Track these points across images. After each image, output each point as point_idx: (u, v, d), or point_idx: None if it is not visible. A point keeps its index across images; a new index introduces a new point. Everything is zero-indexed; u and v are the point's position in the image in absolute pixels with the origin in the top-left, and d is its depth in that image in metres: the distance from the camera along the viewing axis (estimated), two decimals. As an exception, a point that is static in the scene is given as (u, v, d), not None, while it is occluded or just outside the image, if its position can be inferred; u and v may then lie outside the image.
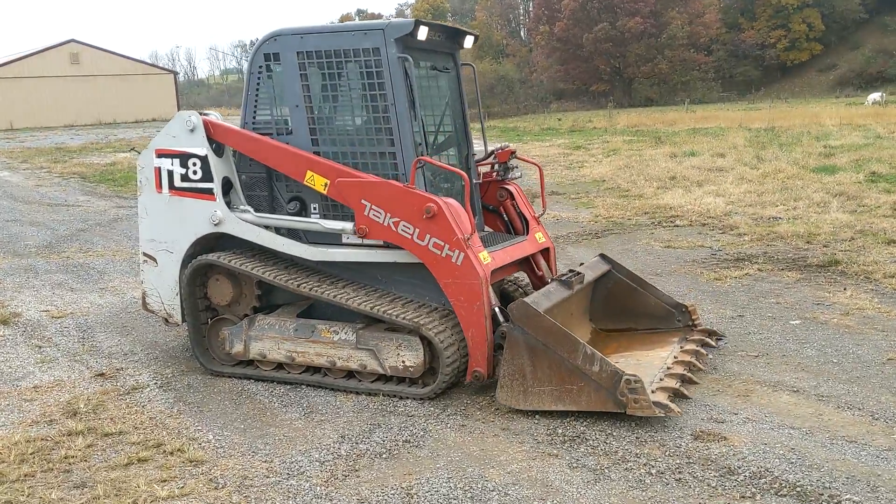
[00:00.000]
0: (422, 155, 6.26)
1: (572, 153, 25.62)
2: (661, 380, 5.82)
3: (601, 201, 16.03)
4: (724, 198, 15.31)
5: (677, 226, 13.22)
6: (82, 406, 6.15)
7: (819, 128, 27.77)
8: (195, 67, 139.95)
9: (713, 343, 6.72)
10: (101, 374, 6.92)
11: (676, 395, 5.63)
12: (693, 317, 6.94)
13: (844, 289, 8.81)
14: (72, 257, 12.11)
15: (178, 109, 62.46)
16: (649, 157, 22.56)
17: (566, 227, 13.53)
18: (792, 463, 4.82)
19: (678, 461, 4.91)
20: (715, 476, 4.71)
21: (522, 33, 76.95)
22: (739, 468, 4.78)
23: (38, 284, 10.40)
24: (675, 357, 6.32)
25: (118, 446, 5.44)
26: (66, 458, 5.26)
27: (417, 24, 6.11)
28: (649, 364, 6.15)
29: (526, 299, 5.74)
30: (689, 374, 5.96)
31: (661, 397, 5.48)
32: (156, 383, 6.69)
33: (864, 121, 29.56)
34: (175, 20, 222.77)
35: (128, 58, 63.93)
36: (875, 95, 42.79)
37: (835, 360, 6.65)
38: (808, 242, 11.25)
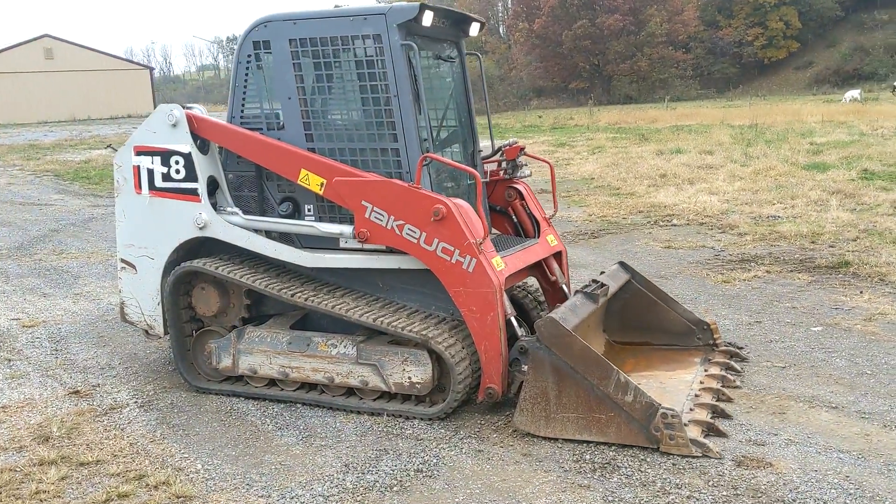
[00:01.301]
0: (427, 151, 5.72)
1: (557, 150, 25.16)
2: (691, 409, 5.30)
3: (593, 199, 15.60)
4: (718, 196, 14.94)
5: (675, 225, 12.80)
6: (55, 430, 5.56)
7: (801, 125, 27.58)
8: (171, 63, 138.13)
9: (738, 368, 6.20)
10: (76, 392, 6.32)
11: (710, 430, 5.11)
12: (715, 335, 6.44)
13: (861, 292, 8.41)
14: (44, 260, 11.47)
15: (155, 105, 61.84)
16: (636, 154, 22.18)
17: (560, 227, 13.04)
18: (851, 495, 4.35)
19: (725, 493, 4.42)
20: (768, 510, 4.22)
21: (501, 30, 76.43)
22: (794, 501, 4.30)
23: (8, 290, 9.75)
24: (700, 382, 5.80)
25: (95, 478, 4.86)
26: (37, 493, 4.67)
27: (423, 8, 5.56)
28: (674, 389, 5.63)
29: (554, 315, 5.21)
30: (720, 406, 5.43)
31: (696, 432, 4.98)
32: (136, 402, 6.10)
33: (844, 118, 29.42)
34: (151, 16, 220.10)
35: (103, 53, 62.88)
36: (853, 93, 42.77)
37: (868, 372, 6.22)
38: (812, 242, 10.87)
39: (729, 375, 5.98)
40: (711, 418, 5.22)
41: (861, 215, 12.32)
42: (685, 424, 4.91)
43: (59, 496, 4.66)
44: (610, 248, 11.39)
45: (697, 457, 4.79)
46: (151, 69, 69.04)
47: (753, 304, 8.20)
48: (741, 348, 6.69)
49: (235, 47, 6.25)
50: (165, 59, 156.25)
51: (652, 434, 4.83)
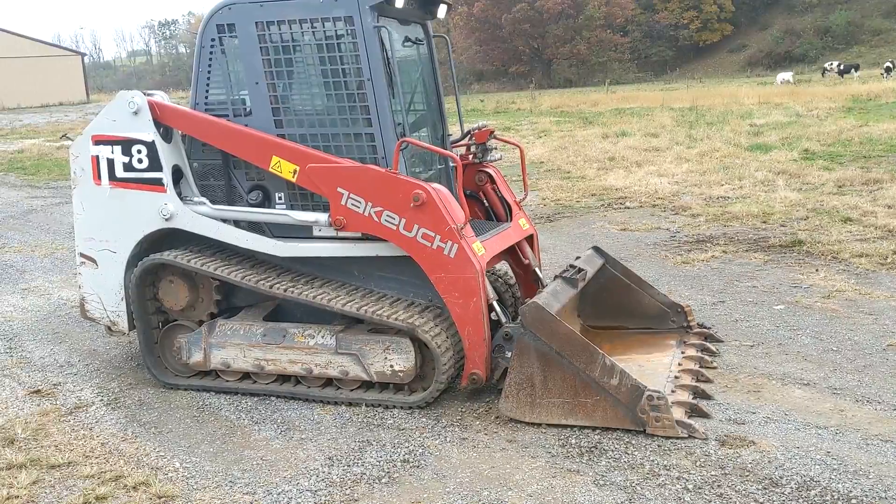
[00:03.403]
0: (403, 136, 5.62)
1: (502, 135, 25.17)
2: (672, 391, 5.32)
3: (545, 183, 15.62)
4: (667, 178, 15.13)
5: (628, 207, 12.92)
6: (20, 431, 5.32)
7: (739, 107, 28.11)
8: (101, 49, 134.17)
9: (714, 349, 6.26)
10: (37, 392, 6.07)
11: (693, 411, 5.14)
12: (689, 318, 6.49)
13: (816, 270, 8.60)
14: (-16, 255, 11.00)
15: (87, 93, 59.91)
16: (582, 138, 22.32)
17: (516, 211, 13.06)
18: (835, 470, 4.42)
19: (713, 473, 4.45)
20: (758, 489, 4.26)
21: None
22: (782, 479, 4.35)
23: (-52, 287, 9.32)
24: (679, 364, 5.83)
25: (69, 481, 4.66)
26: (8, 499, 4.45)
27: (395, -12, 5.45)
28: (654, 372, 5.65)
29: (538, 301, 5.17)
30: (700, 387, 5.47)
31: (680, 414, 5.00)
32: (102, 400, 5.88)
33: (780, 99, 30.09)
34: (78, 1, 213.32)
35: (30, 39, 60.63)
36: (785, 75, 43.88)
37: (834, 349, 6.35)
38: (764, 222, 11.09)
39: (706, 357, 6.04)
40: (693, 399, 5.26)
41: (808, 195, 12.60)
42: (670, 405, 4.93)
43: (33, 501, 4.46)
44: (567, 231, 11.44)
45: (683, 438, 4.81)
46: (83, 55, 66.90)
47: (714, 284, 8.31)
48: (709, 328, 6.76)
49: (197, 31, 6.04)
50: (95, 44, 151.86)
51: (638, 417, 4.85)
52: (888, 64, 42.81)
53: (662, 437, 4.83)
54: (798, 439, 4.81)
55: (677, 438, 4.81)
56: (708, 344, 6.32)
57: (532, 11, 60.78)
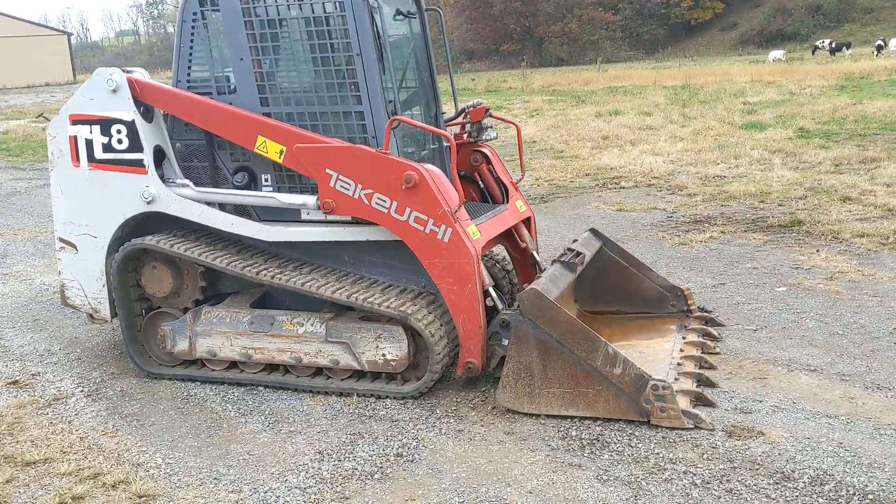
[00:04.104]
0: (394, 114, 5.37)
1: (494, 114, 24.91)
2: (676, 379, 5.11)
3: (538, 163, 15.38)
4: (662, 157, 14.93)
5: (623, 187, 12.70)
6: (-5, 426, 5.09)
7: (732, 85, 27.90)
8: (88, 29, 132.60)
9: (716, 334, 6.06)
10: (15, 382, 5.82)
11: (699, 400, 4.94)
12: (689, 301, 6.27)
13: (817, 250, 8.42)
14: (-35, 239, 10.71)
15: (74, 73, 59.28)
16: (575, 116, 22.09)
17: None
18: (849, 462, 4.23)
19: (721, 467, 4.26)
20: (770, 484, 4.07)
21: (429, -8, 75.70)
22: (794, 472, 4.16)
23: (-74, 272, 9.05)
24: (680, 350, 5.62)
25: (45, 479, 4.43)
26: (-21, 499, 4.24)
27: (387, -40, 5.18)
28: (655, 359, 5.44)
29: (536, 286, 4.94)
30: (704, 375, 5.26)
31: (685, 403, 4.79)
32: (82, 391, 5.64)
33: (772, 77, 29.89)
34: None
35: (15, 18, 59.82)
36: (777, 53, 43.59)
37: (840, 333, 6.17)
38: (761, 202, 10.90)
39: (708, 342, 5.84)
40: (697, 387, 5.06)
41: (805, 173, 12.42)
42: (675, 394, 4.73)
43: (6, 501, 4.23)
44: (562, 212, 11.23)
45: (689, 429, 4.62)
46: (69, 35, 66.07)
47: (714, 266, 8.12)
48: (710, 312, 6.57)
49: (179, 5, 5.75)
50: (82, 24, 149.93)
51: (642, 407, 4.65)
52: (879, 42, 42.61)
53: (667, 428, 4.64)
54: (808, 429, 4.62)
55: (683, 430, 4.61)
56: (710, 329, 6.12)
57: (523, -11, 60.22)
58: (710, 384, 5.19)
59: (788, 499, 3.94)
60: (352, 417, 5.09)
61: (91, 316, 6.03)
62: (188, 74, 5.70)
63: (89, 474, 4.45)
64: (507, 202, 6.26)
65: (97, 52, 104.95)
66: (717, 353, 5.76)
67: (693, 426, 4.62)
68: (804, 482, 4.07)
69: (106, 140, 5.61)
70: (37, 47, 58.05)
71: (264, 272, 5.39)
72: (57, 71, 57.96)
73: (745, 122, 18.30)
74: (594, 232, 6.47)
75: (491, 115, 6.45)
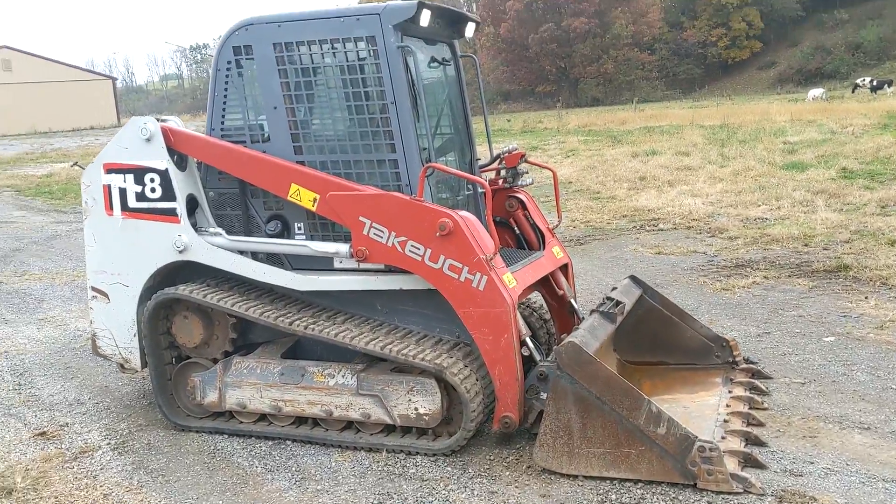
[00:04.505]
0: (428, 161, 5.27)
1: (530, 154, 24.83)
2: (722, 438, 4.88)
3: (574, 204, 15.25)
4: (701, 198, 14.70)
5: (661, 229, 12.48)
6: (19, 480, 4.99)
7: (771, 124, 27.57)
8: (133, 74, 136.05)
9: (764, 388, 5.81)
10: (42, 434, 5.76)
11: (747, 461, 4.69)
12: (734, 353, 6.04)
13: (866, 297, 8.12)
14: (6, 282, 10.82)
15: (118, 117, 60.85)
16: (611, 157, 21.94)
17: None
18: (911, 532, 3.97)
19: (773, 535, 4.02)
20: (826, 555, 3.83)
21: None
22: (852, 543, 3.91)
23: (-35, 317, 9.11)
24: (727, 405, 5.38)
25: (68, 538, 4.34)
26: (0, 559, 4.14)
27: (420, 6, 5.11)
28: (700, 415, 5.21)
29: (574, 339, 4.76)
30: (753, 433, 5.02)
31: (733, 465, 4.54)
32: (109, 444, 5.55)
33: (812, 116, 29.52)
34: (112, 26, 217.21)
35: (63, 64, 61.66)
36: (816, 91, 43.18)
37: (893, 387, 5.88)
38: (805, 245, 10.60)
39: (755, 397, 5.59)
40: (745, 447, 4.82)
41: (850, 215, 12.10)
42: (723, 457, 4.49)
43: (28, 561, 4.13)
44: (598, 254, 11.04)
45: (737, 493, 4.38)
46: (114, 79, 67.87)
47: (758, 314, 7.86)
48: (756, 363, 6.32)
49: (213, 54, 5.75)
50: (128, 69, 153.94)
51: (688, 469, 4.41)
52: (923, 79, 42.00)
53: (714, 492, 4.40)
54: (864, 496, 4.36)
55: (731, 494, 4.37)
56: (757, 382, 5.87)
57: (559, 31, 60.57)
58: (759, 443, 4.95)
59: (847, 573, 3.69)
60: (380, 475, 4.92)
61: (121, 366, 5.96)
62: (222, 122, 5.68)
63: (113, 533, 4.33)
64: (544, 248, 6.12)
65: (142, 95, 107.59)
66: (766, 409, 5.51)
67: (742, 490, 4.38)
68: (863, 555, 3.81)
69: (139, 189, 5.59)
70: (83, 92, 59.62)
71: (297, 322, 5.29)
72: (102, 114, 59.41)
73: (786, 163, 17.99)
74: (634, 279, 6.28)
75: (527, 161, 6.33)
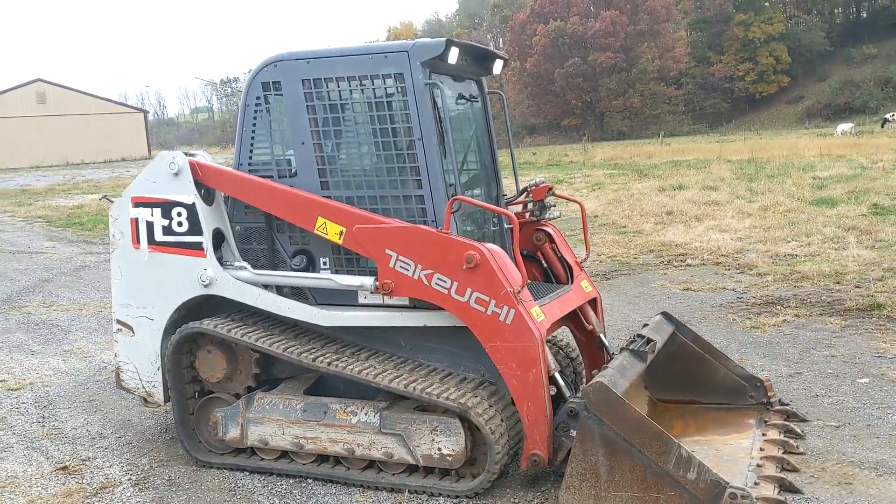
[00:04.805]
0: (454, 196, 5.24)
1: (555, 188, 24.82)
2: (755, 483, 4.73)
3: (599, 238, 15.15)
4: (729, 233, 14.55)
5: (689, 265, 12.35)
6: (41, 515, 4.98)
7: (800, 159, 27.37)
8: (164, 106, 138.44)
9: (799, 431, 5.67)
10: (64, 468, 5.73)
11: None
12: (769, 393, 5.90)
13: (901, 338, 7.93)
14: (33, 312, 10.90)
15: (149, 149, 61.88)
16: (637, 191, 21.84)
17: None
18: (953, 587, 3.81)
19: (808, 587, 3.88)
20: None
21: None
22: None
23: (-8, 347, 9.18)
24: (760, 449, 5.23)
25: (86, 577, 4.28)
26: None
27: (448, 43, 5.12)
28: (732, 458, 5.08)
29: (603, 379, 4.67)
30: (787, 480, 4.88)
31: None
32: (130, 479, 5.51)
33: (842, 151, 29.29)
34: (145, 59, 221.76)
35: (96, 97, 62.90)
36: (845, 126, 42.91)
37: (931, 431, 5.71)
38: (837, 283, 10.42)
39: (790, 440, 5.45)
40: (779, 494, 4.68)
41: (882, 253, 11.90)
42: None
43: None
44: (625, 290, 10.92)
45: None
46: (145, 112, 69.06)
47: (789, 353, 7.71)
48: (789, 404, 6.17)
49: (242, 89, 5.79)
50: (159, 101, 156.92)
51: None
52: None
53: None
54: (903, 546, 4.21)
55: (763, 542, 4.24)
56: (791, 424, 5.72)
57: (585, 66, 60.88)
58: (793, 490, 4.80)
59: None
60: (402, 516, 4.84)
61: (145, 399, 5.95)
62: (250, 157, 5.70)
63: (131, 573, 4.27)
64: (572, 282, 6.05)
65: (172, 128, 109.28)
66: (801, 454, 5.36)
67: None
68: None
69: (166, 223, 5.61)
70: (115, 124, 60.67)
71: (321, 359, 5.25)
72: (133, 146, 60.38)
73: (816, 198, 17.80)
74: (666, 315, 6.17)
75: (554, 194, 6.29)
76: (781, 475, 4.89)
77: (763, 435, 5.47)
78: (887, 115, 45.89)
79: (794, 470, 5.08)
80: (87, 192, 29.38)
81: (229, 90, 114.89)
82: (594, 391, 4.58)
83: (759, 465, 4.99)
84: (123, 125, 61.48)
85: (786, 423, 5.70)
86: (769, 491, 4.67)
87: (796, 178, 21.46)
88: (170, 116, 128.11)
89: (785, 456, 5.17)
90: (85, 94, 61.92)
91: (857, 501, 4.73)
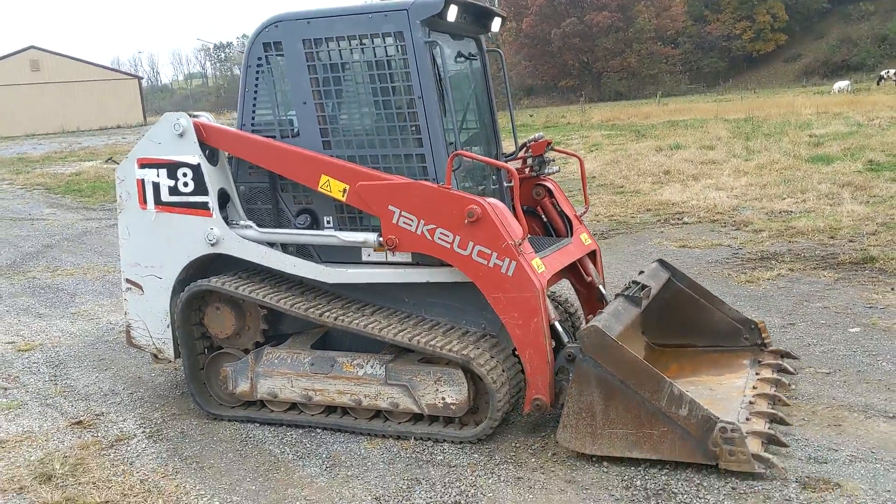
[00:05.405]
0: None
1: (556, 147, 24.83)
2: (747, 419, 4.92)
3: (597, 199, 15.25)
4: (725, 192, 14.67)
5: (686, 223, 12.48)
6: (58, 466, 5.14)
7: (797, 117, 27.35)
8: (158, 72, 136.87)
9: (792, 370, 5.85)
10: (79, 423, 5.91)
11: (771, 442, 4.74)
12: (763, 335, 6.07)
13: (892, 289, 8.11)
14: (38, 277, 11.03)
15: (145, 116, 61.46)
16: (634, 151, 21.88)
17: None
18: (935, 518, 4.01)
19: (796, 520, 4.07)
20: (849, 540, 3.87)
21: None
22: (875, 528, 3.95)
23: (1, 310, 9.32)
24: (753, 387, 5.42)
25: (107, 522, 4.47)
26: (42, 542, 4.28)
27: (448, 2, 5.18)
28: (726, 396, 5.26)
29: (597, 323, 4.83)
30: (779, 414, 5.07)
31: (756, 446, 4.58)
32: (144, 432, 5.70)
33: (839, 109, 29.24)
34: (136, 25, 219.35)
35: (90, 63, 62.35)
36: (842, 83, 42.73)
37: (920, 377, 5.89)
38: (831, 237, 10.57)
39: (782, 379, 5.63)
40: (769, 428, 4.86)
41: (876, 208, 12.03)
42: (745, 437, 4.54)
43: (69, 543, 4.26)
44: (622, 248, 11.06)
45: (760, 477, 4.42)
46: (140, 78, 68.49)
47: (783, 305, 7.87)
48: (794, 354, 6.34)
49: (238, 52, 5.86)
50: (153, 68, 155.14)
51: (710, 450, 4.45)
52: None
53: (737, 472, 4.45)
54: (888, 482, 4.39)
55: (753, 479, 4.42)
56: (785, 364, 5.89)
57: (581, 26, 60.32)
58: (784, 423, 4.99)
59: (870, 557, 3.73)
60: (409, 462, 5.02)
61: (155, 356, 6.10)
62: (252, 118, 5.79)
63: (150, 517, 4.46)
64: (572, 235, 6.18)
65: (167, 94, 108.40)
66: (792, 388, 5.54)
67: (764, 470, 4.43)
68: (887, 540, 3.85)
69: (172, 183, 5.71)
70: (109, 91, 60.30)
71: (327, 314, 5.39)
72: (128, 113, 60.09)
73: (812, 156, 17.87)
74: (662, 263, 6.32)
75: (553, 149, 6.39)
76: (772, 411, 5.07)
77: (756, 374, 5.65)
78: (882, 73, 45.66)
79: (786, 405, 5.27)
80: (84, 160, 29.36)
81: (223, 55, 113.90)
82: (589, 335, 4.74)
83: (751, 402, 5.17)
84: (118, 92, 61.12)
85: (779, 362, 5.87)
86: (760, 426, 4.85)
87: (793, 136, 21.49)
88: (164, 83, 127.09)
89: (777, 393, 5.35)
90: (79, 60, 61.44)
91: (846, 442, 4.91)
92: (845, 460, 4.67)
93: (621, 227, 12.53)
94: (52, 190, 21.38)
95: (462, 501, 4.50)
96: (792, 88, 50.93)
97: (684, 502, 4.32)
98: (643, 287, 5.65)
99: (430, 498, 4.55)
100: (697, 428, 4.50)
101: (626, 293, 5.61)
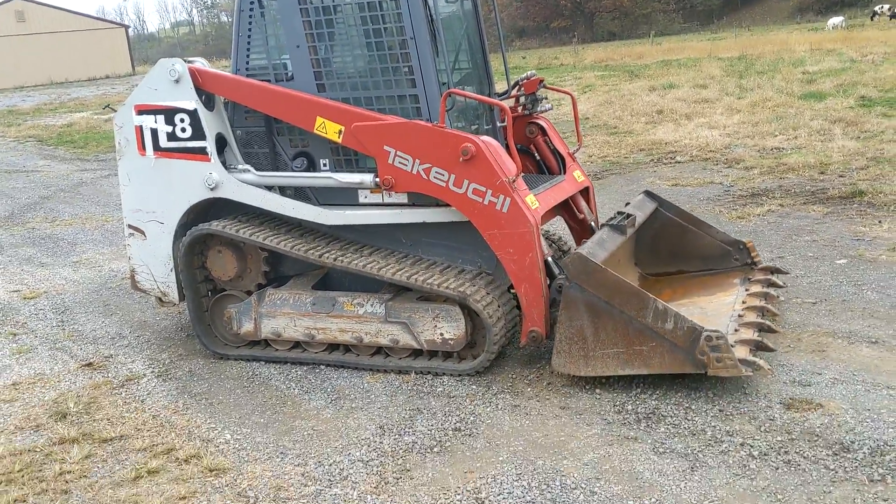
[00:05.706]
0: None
1: (548, 85, 24.73)
2: (735, 331, 5.13)
3: (591, 140, 15.29)
4: (718, 130, 14.71)
5: (679, 162, 12.57)
6: (72, 405, 5.35)
7: (791, 54, 27.18)
8: (144, 21, 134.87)
9: (780, 283, 6.05)
10: (89, 364, 6.10)
11: (759, 349, 4.95)
12: (752, 254, 6.23)
13: (879, 222, 8.25)
14: (37, 228, 11.15)
15: (133, 65, 60.50)
16: (628, 91, 21.81)
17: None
18: (911, 433, 4.22)
19: (779, 438, 4.28)
20: (828, 455, 4.08)
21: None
22: (853, 444, 4.16)
23: (3, 260, 9.46)
24: (742, 302, 5.61)
25: (121, 455, 4.67)
26: (61, 474, 4.47)
27: (437, -58, 5.23)
28: (716, 313, 5.46)
29: (581, 251, 4.98)
30: (766, 323, 5.28)
31: (744, 352, 4.79)
32: (153, 372, 5.89)
33: (832, 45, 29.05)
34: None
35: (75, 13, 61.32)
36: (836, 20, 42.29)
37: (903, 304, 6.08)
38: (821, 173, 10.69)
39: (771, 292, 5.82)
40: (757, 336, 5.07)
41: (867, 143, 12.12)
42: (731, 345, 4.71)
43: (85, 476, 4.47)
44: (616, 188, 11.18)
45: (745, 399, 4.65)
46: (126, 27, 67.47)
47: (773, 239, 8.04)
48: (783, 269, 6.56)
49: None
50: (138, 16, 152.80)
51: (698, 359, 4.62)
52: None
53: (719, 384, 4.70)
54: (868, 401, 4.60)
55: (739, 402, 4.63)
56: (774, 278, 6.08)
57: (573, -36, 59.41)
58: (772, 331, 5.23)
59: (847, 469, 3.95)
60: (410, 394, 5.22)
61: (160, 299, 6.26)
62: (247, 63, 5.84)
63: (163, 450, 4.67)
64: (565, 173, 6.29)
65: (154, 43, 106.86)
66: (781, 301, 5.78)
67: (751, 373, 4.64)
68: (864, 453, 4.06)
69: (170, 129, 5.80)
70: (96, 40, 59.43)
71: (326, 255, 5.53)
72: (116, 63, 59.35)
73: (805, 92, 17.87)
74: (649, 194, 6.46)
75: (545, 87, 6.47)
76: (760, 321, 5.29)
77: (747, 290, 5.84)
78: (876, 8, 45.19)
79: (775, 315, 5.50)
80: (74, 111, 29.17)
81: (210, 2, 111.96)
82: (573, 261, 4.91)
83: (740, 315, 5.38)
84: (105, 41, 60.25)
85: (768, 277, 6.07)
86: (748, 334, 5.06)
87: (786, 73, 21.43)
88: (150, 31, 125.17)
89: (766, 305, 5.55)
90: (64, 10, 60.43)
91: (829, 366, 5.11)
92: (828, 382, 4.87)
93: (614, 168, 12.62)
94: (44, 142, 21.32)
95: (462, 428, 4.71)
96: (786, 25, 50.40)
97: (673, 424, 4.53)
98: (628, 216, 5.80)
99: (432, 425, 4.76)
100: (684, 339, 4.66)
101: (610, 223, 5.77)
